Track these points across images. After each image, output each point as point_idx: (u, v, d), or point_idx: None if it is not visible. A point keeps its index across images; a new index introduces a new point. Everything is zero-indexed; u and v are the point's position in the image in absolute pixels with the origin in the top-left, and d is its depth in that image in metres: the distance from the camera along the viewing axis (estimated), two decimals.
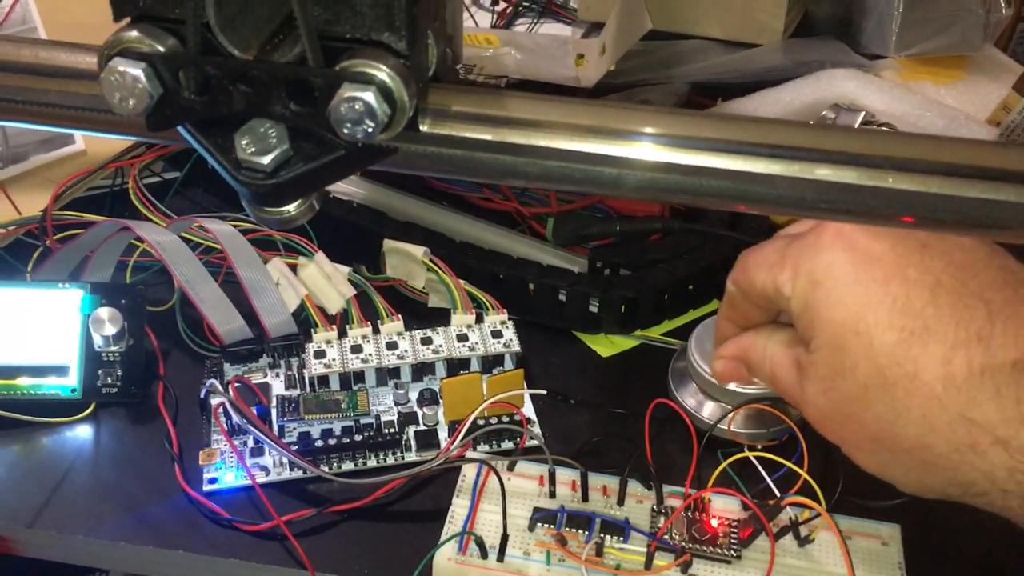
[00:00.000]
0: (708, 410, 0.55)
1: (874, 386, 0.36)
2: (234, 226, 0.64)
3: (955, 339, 0.35)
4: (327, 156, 0.28)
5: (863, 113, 0.70)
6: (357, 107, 0.26)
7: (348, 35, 0.26)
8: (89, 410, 0.59)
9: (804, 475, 0.49)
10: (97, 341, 0.58)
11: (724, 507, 0.50)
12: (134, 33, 0.27)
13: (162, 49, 0.27)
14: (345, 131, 0.26)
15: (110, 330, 0.58)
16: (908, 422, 0.35)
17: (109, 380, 0.58)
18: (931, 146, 0.28)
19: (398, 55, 0.26)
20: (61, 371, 0.58)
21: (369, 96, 0.26)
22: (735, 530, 0.49)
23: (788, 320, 0.41)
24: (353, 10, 0.26)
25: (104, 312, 0.58)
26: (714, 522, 0.49)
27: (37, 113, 0.32)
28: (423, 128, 0.28)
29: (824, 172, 0.28)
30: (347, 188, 0.72)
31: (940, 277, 0.36)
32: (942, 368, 0.35)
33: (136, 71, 0.26)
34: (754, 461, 0.51)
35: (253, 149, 0.27)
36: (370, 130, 0.26)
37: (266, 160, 0.27)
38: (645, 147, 0.28)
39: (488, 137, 0.29)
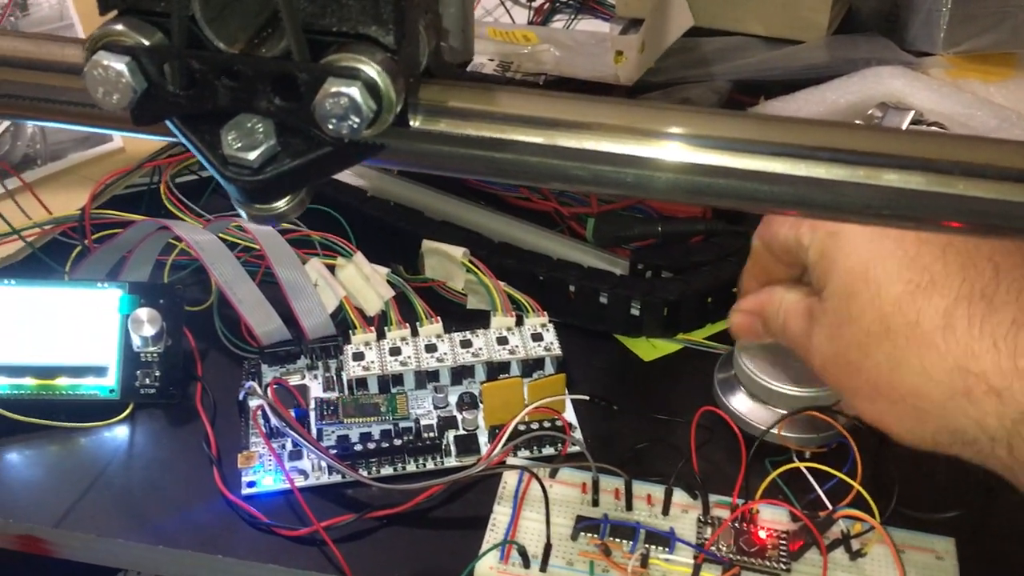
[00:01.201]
0: (756, 416, 0.54)
1: (876, 333, 0.37)
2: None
3: (959, 293, 0.36)
4: (314, 152, 0.27)
5: (912, 112, 0.69)
6: (342, 102, 0.25)
7: (335, 28, 0.26)
8: (127, 411, 0.58)
9: (857, 486, 0.47)
10: (136, 341, 0.58)
11: (773, 518, 0.49)
12: (119, 26, 0.26)
13: (147, 42, 0.26)
14: (330, 127, 0.25)
15: (149, 331, 0.58)
16: (906, 369, 0.37)
17: (147, 381, 0.58)
18: (1002, 150, 0.27)
19: (386, 49, 0.25)
20: (100, 371, 0.58)
21: (354, 91, 0.25)
22: (784, 542, 0.48)
23: (808, 281, 0.43)
24: (339, 3, 0.25)
25: (143, 312, 0.58)
26: (763, 534, 0.48)
27: (26, 107, 0.32)
28: (413, 124, 0.28)
29: (891, 177, 0.27)
30: (385, 187, 0.72)
31: (953, 239, 0.37)
32: (943, 319, 0.36)
33: (119, 65, 0.26)
34: (804, 471, 0.50)
35: (240, 144, 0.27)
36: (355, 126, 0.25)
37: (252, 156, 0.27)
38: (673, 148, 0.27)
39: (481, 134, 0.28)
